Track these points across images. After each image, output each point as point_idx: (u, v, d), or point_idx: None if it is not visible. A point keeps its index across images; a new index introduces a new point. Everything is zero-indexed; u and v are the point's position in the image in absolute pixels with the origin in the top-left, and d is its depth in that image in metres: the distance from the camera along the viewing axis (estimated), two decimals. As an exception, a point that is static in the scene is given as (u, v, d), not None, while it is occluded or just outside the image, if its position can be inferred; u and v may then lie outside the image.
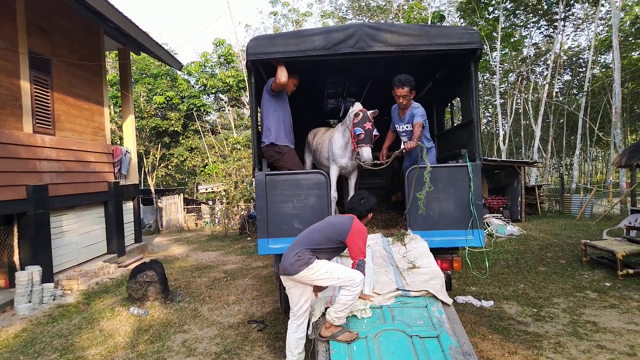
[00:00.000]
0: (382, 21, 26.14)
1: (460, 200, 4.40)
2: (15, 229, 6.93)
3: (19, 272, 6.40)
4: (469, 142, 4.68)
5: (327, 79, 5.96)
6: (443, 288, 3.67)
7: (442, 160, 5.62)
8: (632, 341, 4.55)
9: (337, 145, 5.05)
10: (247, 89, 5.36)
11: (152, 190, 20.24)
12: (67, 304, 6.50)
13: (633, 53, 23.34)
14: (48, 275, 7.01)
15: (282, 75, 4.47)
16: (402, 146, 4.70)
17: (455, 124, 5.84)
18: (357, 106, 4.77)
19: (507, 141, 24.16)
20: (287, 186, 4.38)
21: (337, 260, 3.73)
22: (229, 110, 25.67)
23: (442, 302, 3.55)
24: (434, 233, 4.39)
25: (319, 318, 3.40)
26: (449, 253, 4.55)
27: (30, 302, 6.29)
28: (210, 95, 24.53)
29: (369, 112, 4.62)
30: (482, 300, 6.00)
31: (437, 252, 4.32)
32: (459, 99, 5.40)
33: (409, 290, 3.59)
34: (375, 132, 4.58)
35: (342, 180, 5.61)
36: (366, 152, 4.53)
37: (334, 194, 4.92)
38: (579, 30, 26.10)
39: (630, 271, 6.82)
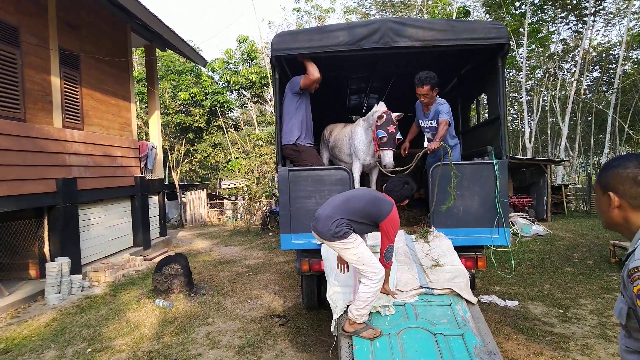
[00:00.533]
0: (406, 17, 25.88)
1: (486, 198, 4.33)
2: (46, 222, 7.14)
3: (49, 264, 6.59)
4: (495, 139, 4.60)
5: (350, 74, 5.94)
6: (467, 287, 3.63)
7: (468, 157, 5.54)
8: (664, 345, 4.40)
9: (360, 141, 4.97)
10: (271, 85, 5.37)
11: (177, 185, 20.57)
12: (95, 295, 6.67)
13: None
14: (76, 267, 7.21)
15: (315, 70, 4.46)
16: (426, 146, 4.64)
17: (481, 121, 5.75)
18: (381, 107, 4.68)
19: (532, 139, 23.65)
20: (310, 182, 4.38)
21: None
22: (251, 106, 25.84)
23: (467, 300, 3.51)
24: (458, 231, 4.34)
25: (342, 315, 3.40)
26: (473, 251, 4.49)
27: (59, 292, 6.47)
28: (234, 92, 24.75)
29: (393, 115, 4.52)
30: (507, 300, 5.91)
31: (461, 250, 4.27)
32: (485, 95, 5.31)
33: (432, 288, 3.56)
34: (398, 136, 4.51)
35: (363, 175, 5.57)
36: (388, 156, 4.44)
37: None
38: (610, 25, 25.31)
39: (662, 273, 6.61)
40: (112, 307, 6.00)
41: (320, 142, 6.02)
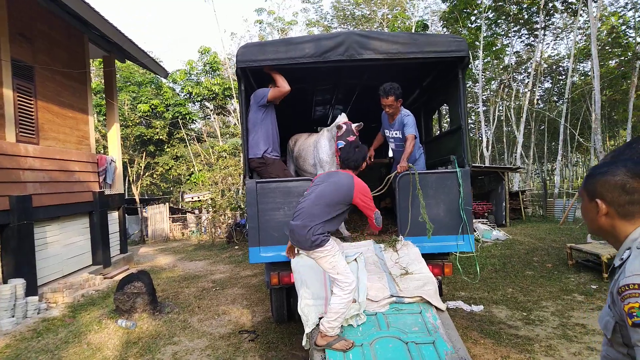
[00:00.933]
0: (370, 30, 26.39)
1: (450, 206, 4.43)
2: (-2, 241, 6.77)
3: (1, 286, 6.24)
4: (457, 148, 4.72)
5: (315, 86, 5.98)
6: (436, 294, 3.69)
7: (431, 167, 5.66)
8: (620, 343, 4.60)
9: (324, 152, 5.01)
10: (237, 97, 5.32)
11: (137, 200, 19.98)
12: (53, 317, 6.35)
13: (610, 62, 23.91)
14: (32, 288, 6.85)
15: (285, 83, 4.47)
16: (390, 155, 4.74)
17: (443, 130, 5.90)
18: (342, 118, 4.77)
19: (490, 147, 24.47)
20: (278, 194, 4.36)
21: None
22: (214, 118, 25.54)
23: (436, 307, 3.56)
24: (425, 239, 4.41)
25: (314, 328, 3.38)
26: (439, 258, 4.57)
27: (13, 316, 6.13)
28: (196, 103, 24.40)
29: (353, 126, 4.61)
30: (472, 305, 6.04)
31: (428, 257, 4.33)
32: (446, 105, 5.46)
33: (403, 297, 3.59)
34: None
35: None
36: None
37: None
38: (558, 39, 26.67)
39: (615, 274, 6.94)
40: (72, 330, 5.73)
41: (287, 153, 6.00)
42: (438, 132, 6.90)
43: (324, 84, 5.91)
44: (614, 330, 1.34)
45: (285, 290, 5.23)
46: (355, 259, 3.97)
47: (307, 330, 3.40)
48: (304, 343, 3.43)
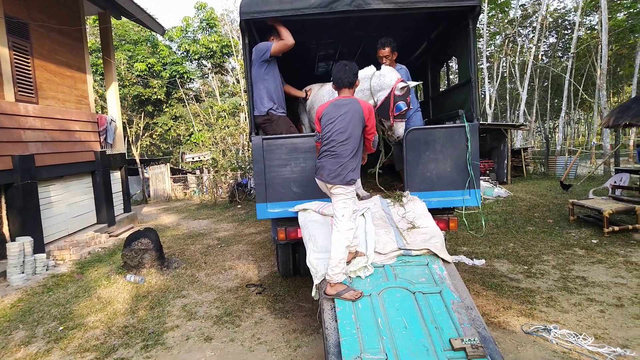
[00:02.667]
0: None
1: (458, 161, 4.41)
2: (3, 201, 6.80)
3: (9, 244, 6.33)
4: (466, 103, 4.65)
5: (319, 40, 5.82)
6: (443, 246, 3.73)
7: (439, 121, 5.61)
8: (619, 293, 4.72)
9: None
10: (242, 51, 5.19)
11: (137, 161, 19.95)
12: (61, 273, 6.47)
13: (618, 14, 23.28)
14: (39, 246, 6.96)
15: (290, 36, 4.31)
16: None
17: (450, 85, 5.79)
18: (389, 71, 4.29)
19: (492, 105, 24.19)
20: (284, 150, 4.32)
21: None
22: (212, 77, 25.12)
23: (443, 259, 3.61)
24: (431, 194, 4.42)
25: (322, 280, 3.44)
26: (445, 213, 4.60)
27: (23, 272, 6.25)
28: (193, 62, 23.94)
29: (412, 84, 4.34)
30: (474, 259, 6.14)
31: (434, 212, 4.35)
32: (455, 58, 5.33)
33: (410, 249, 3.63)
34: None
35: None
36: (402, 128, 4.29)
37: None
38: (565, -10, 25.85)
39: (616, 228, 7.03)
40: (81, 285, 5.85)
41: (299, 107, 5.89)
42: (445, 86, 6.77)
43: (329, 37, 5.75)
44: None
45: (291, 246, 5.30)
46: (363, 214, 3.99)
47: (316, 281, 3.46)
48: (313, 294, 3.50)
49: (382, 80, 4.25)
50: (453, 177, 4.43)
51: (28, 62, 7.52)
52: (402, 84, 4.18)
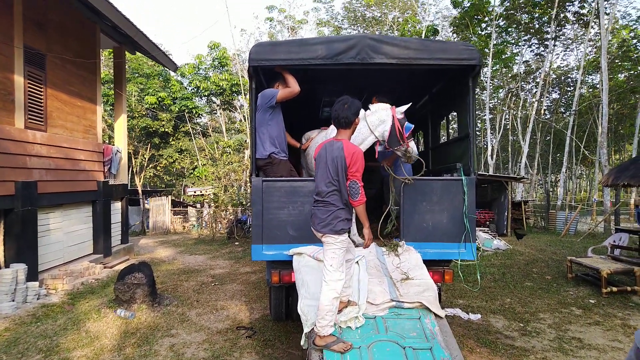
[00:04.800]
0: (377, 32, 26.39)
1: (454, 214, 4.44)
2: (2, 226, 6.81)
3: (3, 270, 6.29)
4: (464, 156, 4.74)
5: (324, 87, 5.99)
6: (436, 300, 3.70)
7: (437, 173, 5.68)
8: (616, 358, 4.62)
9: None
10: (248, 96, 5.39)
11: (139, 191, 20.04)
12: (52, 303, 6.39)
13: (619, 75, 23.87)
14: (33, 274, 6.90)
15: (296, 84, 4.45)
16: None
17: (450, 138, 5.91)
18: (384, 105, 4.48)
19: (494, 156, 24.46)
20: (283, 193, 4.37)
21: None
22: (220, 113, 25.58)
23: (435, 314, 3.58)
24: (427, 245, 4.42)
25: (312, 328, 3.40)
26: (440, 265, 4.58)
27: (13, 300, 6.18)
28: (203, 98, 24.45)
29: (403, 109, 4.46)
30: (470, 314, 6.05)
31: (429, 264, 4.35)
32: (455, 113, 5.47)
33: (402, 302, 3.61)
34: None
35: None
36: (414, 145, 4.46)
37: None
38: (568, 50, 26.67)
39: (614, 289, 6.94)
40: (71, 317, 5.77)
41: (301, 152, 6.00)
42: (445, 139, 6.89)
43: (334, 86, 5.92)
44: None
45: (285, 289, 5.25)
46: (357, 262, 3.99)
47: (306, 329, 3.42)
48: (302, 342, 3.46)
49: (378, 115, 4.39)
50: (449, 229, 4.45)
51: (41, 91, 7.73)
52: (399, 108, 4.35)
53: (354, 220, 4.74)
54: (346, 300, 3.56)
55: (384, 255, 4.29)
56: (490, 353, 4.74)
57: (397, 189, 4.56)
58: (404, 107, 4.40)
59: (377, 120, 4.34)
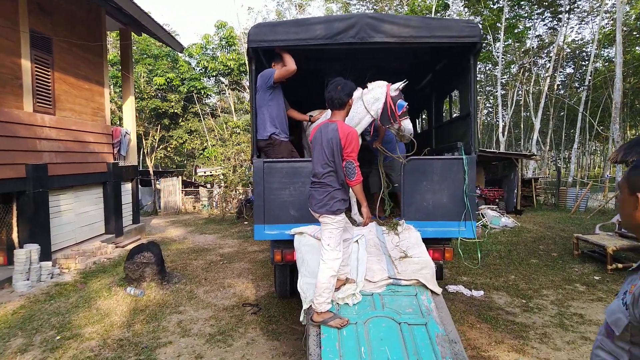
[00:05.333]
0: (386, 8, 25.93)
1: (455, 192, 4.47)
2: (15, 208, 7.00)
3: (17, 250, 6.49)
4: (465, 135, 4.73)
5: (327, 67, 5.97)
6: (433, 278, 3.76)
7: (439, 152, 5.68)
8: (617, 334, 4.66)
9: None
10: (248, 77, 5.39)
11: (151, 172, 20.29)
12: (65, 282, 6.60)
13: (637, 48, 23.25)
14: (46, 254, 7.11)
15: (292, 62, 4.42)
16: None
17: (453, 116, 5.88)
18: (380, 83, 4.52)
19: (506, 133, 24.18)
20: (284, 174, 4.43)
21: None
22: (229, 93, 25.58)
23: (432, 291, 3.64)
24: (427, 224, 4.47)
25: (311, 305, 3.49)
26: (441, 243, 4.63)
27: (28, 279, 6.39)
28: (211, 78, 24.44)
29: (400, 85, 4.44)
30: (473, 290, 6.11)
31: (430, 242, 4.40)
32: (457, 91, 5.43)
33: (400, 279, 3.68)
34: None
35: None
36: (409, 123, 4.43)
37: None
38: (583, 23, 25.96)
39: (620, 265, 6.94)
40: (83, 295, 5.96)
41: (302, 131, 6.02)
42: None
43: (336, 66, 5.90)
44: (625, 328, 1.34)
45: (289, 267, 5.35)
46: (357, 240, 4.05)
47: (305, 306, 3.51)
48: (301, 318, 3.56)
49: (373, 93, 4.41)
50: (449, 208, 4.48)
51: (48, 75, 7.81)
52: (395, 85, 4.35)
53: (354, 200, 4.80)
54: (344, 278, 3.64)
55: (384, 234, 4.34)
56: (490, 329, 4.81)
57: (397, 168, 4.59)
58: (399, 84, 4.38)
59: (372, 98, 4.36)
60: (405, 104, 4.35)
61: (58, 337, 4.58)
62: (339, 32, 4.20)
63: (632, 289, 1.32)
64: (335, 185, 3.31)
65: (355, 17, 4.26)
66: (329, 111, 5.08)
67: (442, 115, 6.44)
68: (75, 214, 8.54)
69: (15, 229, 7.02)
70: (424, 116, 7.89)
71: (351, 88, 3.42)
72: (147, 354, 4.21)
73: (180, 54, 23.38)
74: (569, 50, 26.79)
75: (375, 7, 26.90)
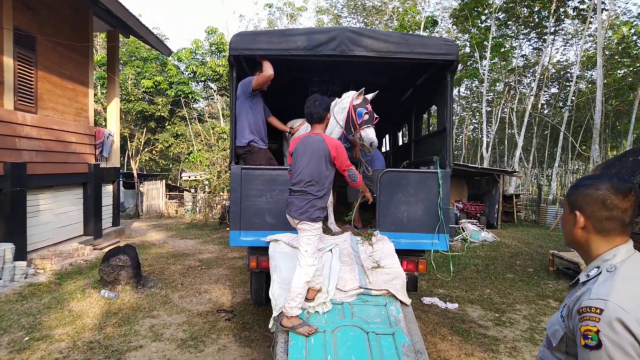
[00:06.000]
0: (376, 22, 26.26)
1: (429, 205, 4.53)
2: (-10, 205, 6.91)
3: (-9, 249, 6.40)
4: (441, 150, 4.82)
5: (311, 77, 6.05)
6: (403, 288, 3.81)
7: (415, 166, 5.77)
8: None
9: None
10: (229, 83, 5.42)
11: (135, 175, 20.12)
12: (39, 283, 6.52)
13: (618, 71, 23.85)
14: (21, 254, 7.02)
15: (270, 68, 4.43)
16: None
17: (429, 131, 6.00)
18: (349, 93, 4.50)
19: (490, 149, 24.51)
20: (261, 181, 4.46)
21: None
22: (217, 99, 25.56)
23: (401, 302, 3.69)
24: (401, 235, 4.52)
25: (280, 312, 3.51)
26: (415, 255, 4.69)
27: (1, 279, 6.29)
28: (200, 83, 24.41)
29: (369, 96, 4.42)
30: (448, 303, 6.18)
31: (404, 253, 4.46)
32: (435, 107, 5.54)
33: (370, 289, 3.71)
34: (376, 115, 4.40)
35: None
36: (372, 132, 4.28)
37: None
38: (568, 45, 26.60)
39: (592, 283, 7.06)
40: (56, 296, 5.89)
41: (283, 139, 6.07)
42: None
43: (320, 76, 5.98)
44: (561, 339, 1.40)
45: (265, 275, 5.35)
46: (331, 249, 4.09)
47: (275, 313, 3.53)
48: (270, 325, 3.58)
49: (341, 103, 4.44)
50: (424, 220, 4.55)
51: (31, 73, 7.77)
52: (354, 93, 4.36)
53: (331, 210, 4.86)
54: (318, 287, 3.67)
55: (358, 244, 4.38)
56: (461, 341, 4.87)
57: (374, 180, 4.65)
58: (364, 93, 4.32)
59: (340, 108, 4.41)
60: (365, 111, 4.26)
61: (27, 338, 4.53)
62: (319, 44, 4.28)
63: (569, 302, 1.39)
64: (317, 194, 3.41)
65: (337, 31, 4.35)
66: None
67: (420, 129, 6.55)
68: (54, 214, 8.45)
69: (-11, 227, 6.92)
70: (404, 130, 8.01)
71: (328, 103, 3.59)
72: (116, 357, 4.19)
73: (169, 58, 23.35)
74: (553, 70, 27.37)
75: (366, 20, 27.26)
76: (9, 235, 6.93)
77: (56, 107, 8.56)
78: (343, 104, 4.43)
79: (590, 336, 1.22)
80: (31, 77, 7.76)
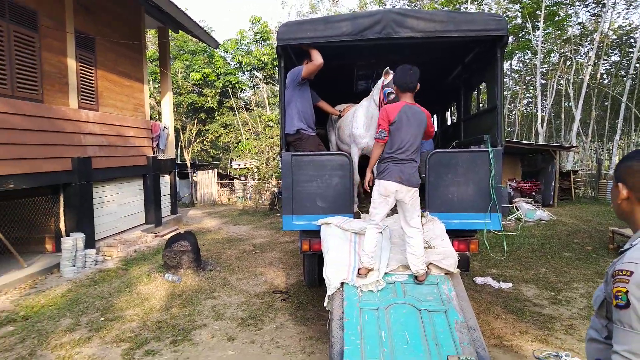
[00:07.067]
0: (421, 3, 25.55)
1: (480, 184, 4.50)
2: (61, 199, 7.49)
3: (64, 238, 6.95)
4: (492, 128, 4.74)
5: (356, 61, 6.07)
6: (451, 266, 3.83)
7: (465, 145, 5.70)
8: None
9: (359, 123, 5.00)
10: (277, 74, 5.56)
11: (188, 165, 20.91)
12: (107, 269, 7.03)
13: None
14: (90, 242, 7.58)
15: (319, 56, 4.53)
16: None
17: (479, 109, 5.88)
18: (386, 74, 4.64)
19: (545, 124, 23.46)
20: (311, 167, 4.58)
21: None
22: (263, 87, 25.94)
23: (453, 280, 3.73)
24: (452, 215, 4.52)
25: (335, 291, 3.65)
26: (467, 235, 4.68)
27: (74, 265, 6.84)
28: (246, 73, 24.83)
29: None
30: (501, 282, 6.12)
31: (456, 233, 4.46)
32: (485, 84, 5.43)
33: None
34: None
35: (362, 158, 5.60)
36: None
37: (357, 177, 4.93)
38: (631, 7, 24.72)
39: (657, 260, 6.74)
40: (124, 281, 6.35)
41: (328, 124, 6.17)
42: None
43: (365, 60, 5.98)
44: (601, 304, 1.47)
45: (317, 257, 5.52)
46: (381, 231, 4.17)
47: (329, 292, 3.67)
48: (325, 304, 3.72)
49: (378, 83, 4.65)
50: (475, 200, 4.52)
51: (92, 73, 8.26)
52: (385, 73, 4.50)
53: (356, 191, 4.94)
54: (370, 267, 3.77)
55: (409, 225, 4.43)
56: (515, 319, 4.84)
57: (422, 160, 4.65)
58: (390, 73, 4.38)
59: (376, 88, 4.62)
60: (389, 90, 4.38)
61: (102, 319, 4.94)
62: (364, 29, 4.29)
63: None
64: (418, 162, 3.66)
65: (381, 13, 4.34)
66: (356, 105, 5.26)
67: (470, 107, 6.43)
68: (118, 204, 9.02)
69: (62, 218, 7.51)
70: (453, 109, 7.87)
71: (418, 72, 3.72)
72: (183, 335, 4.50)
73: (216, 50, 23.88)
74: (614, 37, 25.62)
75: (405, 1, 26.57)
76: (79, 225, 7.50)
77: (115, 104, 9.06)
78: (378, 84, 4.56)
79: (620, 296, 1.28)
80: (91, 77, 8.25)
